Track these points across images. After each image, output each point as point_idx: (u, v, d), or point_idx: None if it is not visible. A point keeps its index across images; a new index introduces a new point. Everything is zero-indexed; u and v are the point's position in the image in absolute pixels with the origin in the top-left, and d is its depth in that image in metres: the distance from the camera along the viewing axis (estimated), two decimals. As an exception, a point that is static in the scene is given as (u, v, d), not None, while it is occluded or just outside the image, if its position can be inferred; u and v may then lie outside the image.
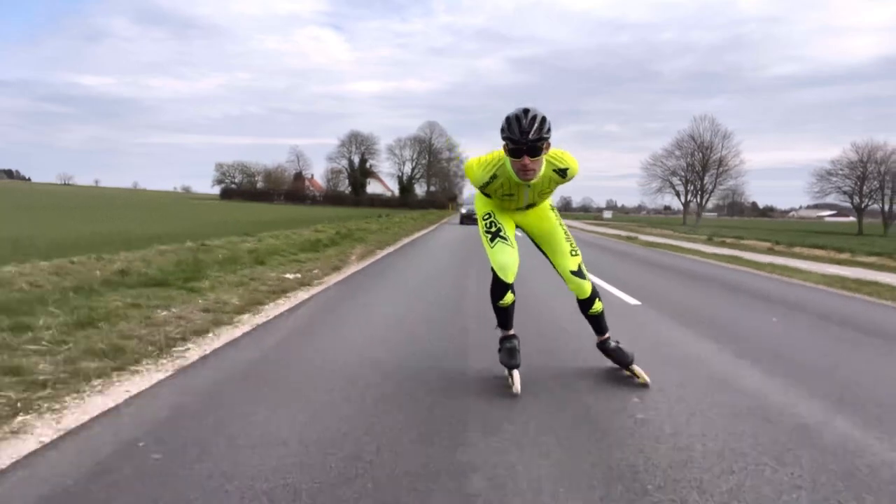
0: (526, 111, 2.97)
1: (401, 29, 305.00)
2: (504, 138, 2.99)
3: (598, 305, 3.52)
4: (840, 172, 52.82)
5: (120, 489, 1.96)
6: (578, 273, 3.44)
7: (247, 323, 4.46)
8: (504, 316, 3.44)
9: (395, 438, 2.45)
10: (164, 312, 4.39)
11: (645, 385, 3.35)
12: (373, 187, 78.13)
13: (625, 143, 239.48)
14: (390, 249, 12.86)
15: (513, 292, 3.37)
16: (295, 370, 3.34)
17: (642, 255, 16.24)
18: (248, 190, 75.09)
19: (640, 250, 18.53)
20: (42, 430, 2.38)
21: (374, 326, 4.64)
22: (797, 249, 21.44)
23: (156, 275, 5.83)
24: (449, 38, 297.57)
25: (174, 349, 3.59)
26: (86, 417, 2.52)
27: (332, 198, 72.95)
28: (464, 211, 33.04)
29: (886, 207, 52.04)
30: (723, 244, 24.26)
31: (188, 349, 3.63)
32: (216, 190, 79.35)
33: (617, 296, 6.82)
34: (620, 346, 3.58)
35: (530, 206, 3.43)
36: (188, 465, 2.13)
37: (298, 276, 7.00)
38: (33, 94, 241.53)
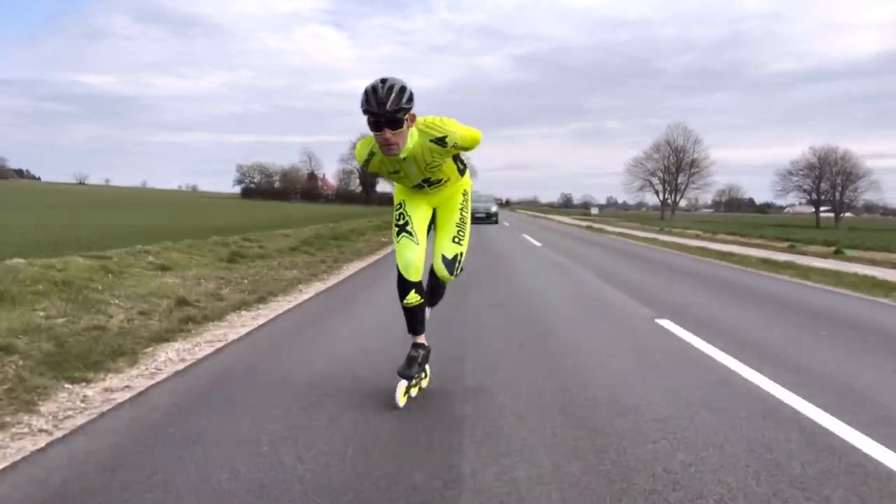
0: (384, 80, 2.72)
1: (402, 26, 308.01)
2: (364, 112, 2.74)
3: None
4: (800, 172, 59.46)
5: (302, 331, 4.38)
6: (449, 263, 3.22)
7: (383, 251, 10.73)
8: (411, 318, 3.21)
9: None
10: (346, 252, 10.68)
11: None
12: (381, 186, 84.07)
13: (626, 140, 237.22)
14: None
15: (420, 294, 3.16)
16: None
17: (580, 235, 24.25)
18: (267, 189, 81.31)
19: (586, 233, 26.39)
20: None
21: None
22: (723, 236, 27.54)
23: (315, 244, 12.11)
24: (450, 36, 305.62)
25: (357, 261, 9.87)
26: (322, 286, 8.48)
27: (343, 196, 79.06)
28: None
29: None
30: (670, 233, 30.51)
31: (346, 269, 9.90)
32: (229, 188, 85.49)
33: (533, 243, 13.10)
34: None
35: (431, 183, 3.14)
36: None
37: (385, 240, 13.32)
38: (34, 94, 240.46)
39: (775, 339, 4.92)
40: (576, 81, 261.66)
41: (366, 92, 2.72)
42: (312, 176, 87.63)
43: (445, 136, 2.90)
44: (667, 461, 2.38)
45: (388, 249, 11.68)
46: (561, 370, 3.73)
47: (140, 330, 4.16)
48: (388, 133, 2.73)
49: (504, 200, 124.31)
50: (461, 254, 3.26)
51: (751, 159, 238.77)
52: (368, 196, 76.65)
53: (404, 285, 3.12)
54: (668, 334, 4.86)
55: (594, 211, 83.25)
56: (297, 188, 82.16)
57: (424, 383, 3.30)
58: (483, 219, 29.95)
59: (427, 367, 3.32)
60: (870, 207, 73.52)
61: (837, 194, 57.58)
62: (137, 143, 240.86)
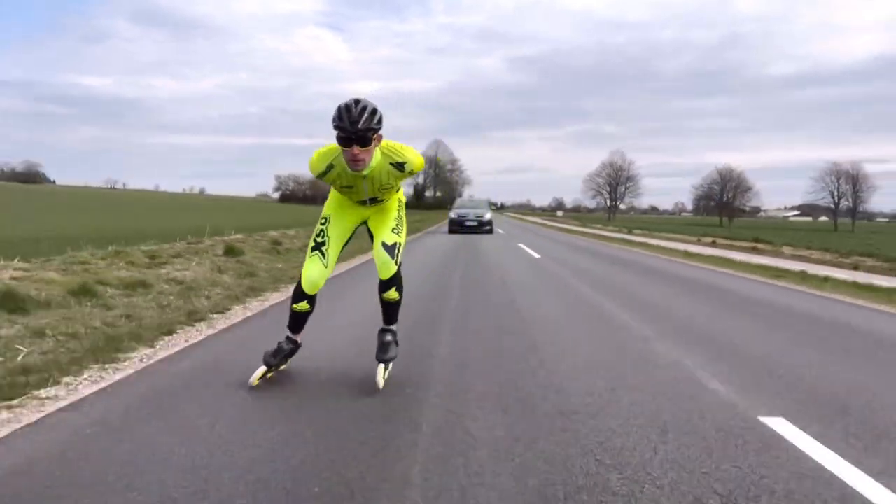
0: (357, 101, 2.89)
1: (400, 29, 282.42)
2: (335, 127, 2.89)
3: (394, 294, 3.40)
4: (713, 185, 77.40)
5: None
6: (389, 249, 3.31)
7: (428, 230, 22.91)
8: (294, 320, 3.41)
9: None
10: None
11: (375, 389, 3.20)
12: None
13: (623, 143, 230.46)
14: (432, 228, 30.94)
15: (311, 304, 3.32)
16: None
17: (531, 226, 36.97)
18: (300, 195, 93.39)
19: (533, 227, 39.72)
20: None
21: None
22: (638, 230, 39.75)
23: None
24: (448, 38, 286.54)
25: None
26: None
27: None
28: (453, 215, 25.19)
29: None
30: (593, 226, 43.03)
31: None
32: (238, 191, 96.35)
33: (499, 231, 25.32)
34: (394, 343, 3.45)
35: (374, 200, 3.29)
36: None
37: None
38: (33, 95, 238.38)
39: (614, 279, 11.17)
40: (574, 83, 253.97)
41: (339, 109, 2.87)
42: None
43: (405, 163, 3.11)
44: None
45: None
46: None
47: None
48: (356, 149, 2.88)
49: (499, 204, 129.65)
50: (399, 243, 3.35)
51: (748, 162, 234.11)
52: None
53: (300, 294, 3.28)
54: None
55: (559, 213, 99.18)
56: (323, 194, 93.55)
57: (283, 367, 3.46)
58: (475, 227, 23.82)
59: (289, 360, 3.48)
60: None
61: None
62: (134, 146, 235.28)
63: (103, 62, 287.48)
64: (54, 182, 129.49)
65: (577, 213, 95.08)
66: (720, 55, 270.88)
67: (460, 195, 68.62)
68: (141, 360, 3.80)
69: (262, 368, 3.30)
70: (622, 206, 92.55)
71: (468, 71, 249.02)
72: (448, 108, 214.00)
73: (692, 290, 8.90)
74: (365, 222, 3.48)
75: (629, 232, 35.12)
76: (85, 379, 3.35)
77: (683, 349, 4.62)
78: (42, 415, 2.78)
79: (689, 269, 12.53)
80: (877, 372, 4.22)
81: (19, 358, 3.52)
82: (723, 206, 77.99)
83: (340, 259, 3.56)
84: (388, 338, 3.46)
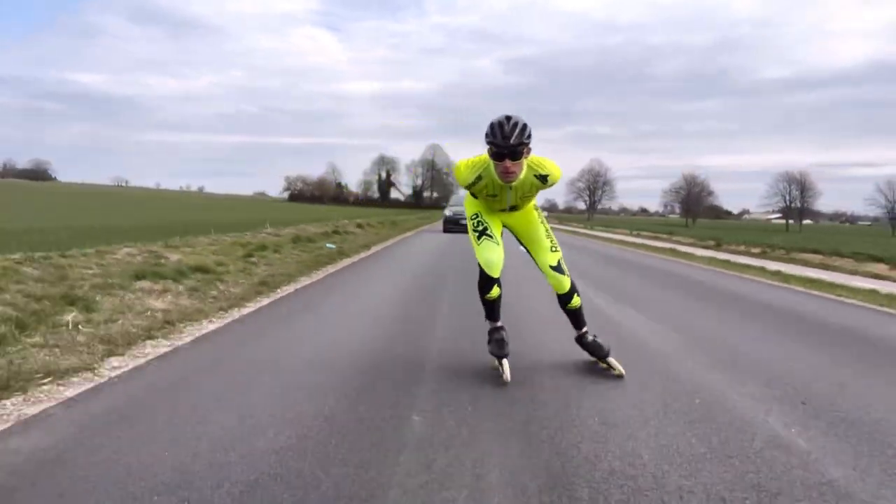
0: (508, 118, 2.99)
1: (395, 29, 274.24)
2: (488, 142, 3.01)
3: (576, 300, 3.51)
4: (678, 191, 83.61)
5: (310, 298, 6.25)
6: (558, 268, 3.43)
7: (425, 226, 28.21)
8: (491, 308, 3.46)
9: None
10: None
11: (620, 376, 3.36)
12: (393, 193, 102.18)
13: (618, 145, 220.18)
14: (424, 227, 36.44)
15: (499, 286, 3.40)
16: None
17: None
18: (306, 195, 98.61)
19: None
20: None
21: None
22: (613, 228, 45.29)
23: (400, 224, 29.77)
24: (443, 39, 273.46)
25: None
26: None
27: (364, 202, 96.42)
28: (448, 213, 24.39)
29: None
30: (568, 224, 48.44)
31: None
32: (236, 189, 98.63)
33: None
34: (597, 339, 3.55)
35: (514, 208, 3.40)
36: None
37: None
38: (26, 92, 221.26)
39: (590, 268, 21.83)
40: (568, 85, 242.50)
41: (492, 125, 2.98)
42: (339, 185, 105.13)
43: (548, 175, 3.20)
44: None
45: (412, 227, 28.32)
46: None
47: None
48: (508, 163, 2.99)
49: None
50: (561, 258, 3.48)
51: (743, 166, 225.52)
52: (385, 201, 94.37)
53: (487, 281, 3.34)
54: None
55: (545, 214, 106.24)
56: (330, 194, 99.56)
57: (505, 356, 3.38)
58: None
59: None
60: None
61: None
62: (128, 143, 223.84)
63: (98, 59, 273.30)
64: (54, 179, 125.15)
65: (560, 214, 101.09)
66: (714, 58, 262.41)
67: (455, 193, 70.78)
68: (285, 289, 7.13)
69: (505, 362, 3.33)
70: (612, 207, 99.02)
71: (463, 72, 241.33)
72: (444, 109, 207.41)
73: (599, 258, 14.41)
74: (503, 225, 3.55)
75: (591, 228, 41.12)
76: (258, 301, 5.67)
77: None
78: (259, 305, 5.38)
79: (611, 247, 18.06)
80: (697, 303, 9.32)
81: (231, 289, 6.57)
82: (687, 208, 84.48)
83: (353, 252, 7.12)
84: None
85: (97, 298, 4.59)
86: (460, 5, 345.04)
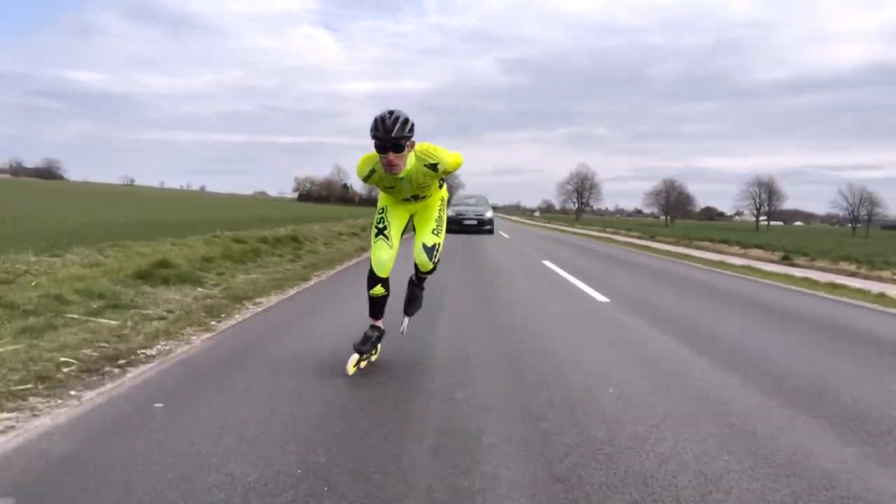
0: (391, 112, 3.03)
1: (393, 29, 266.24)
2: (372, 136, 3.02)
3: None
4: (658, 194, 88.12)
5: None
6: (429, 250, 3.49)
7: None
8: (374, 305, 3.49)
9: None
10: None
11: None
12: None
13: (615, 146, 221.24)
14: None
15: (385, 288, 3.43)
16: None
17: (519, 226, 45.75)
18: (314, 195, 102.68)
19: (518, 226, 48.14)
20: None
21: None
22: (597, 227, 49.43)
23: None
24: (441, 39, 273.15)
25: None
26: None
27: (368, 201, 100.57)
28: (451, 213, 20.19)
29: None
30: (554, 222, 52.62)
31: None
32: (235, 189, 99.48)
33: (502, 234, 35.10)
34: (379, 339, 3.52)
35: (417, 197, 3.44)
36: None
37: None
38: (23, 88, 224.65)
39: (568, 257, 24.14)
40: (565, 86, 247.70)
41: (375, 120, 3.00)
42: (344, 186, 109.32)
43: (437, 164, 3.22)
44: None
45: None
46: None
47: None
48: (391, 156, 3.02)
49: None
50: (438, 244, 3.52)
51: (741, 168, 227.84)
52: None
53: (374, 279, 3.40)
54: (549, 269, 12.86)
55: (536, 214, 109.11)
56: (336, 194, 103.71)
57: (374, 358, 3.53)
58: (474, 227, 21.44)
59: (378, 345, 3.54)
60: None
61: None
62: (126, 141, 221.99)
63: (95, 57, 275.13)
64: (63, 178, 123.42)
65: (556, 214, 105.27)
66: (711, 61, 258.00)
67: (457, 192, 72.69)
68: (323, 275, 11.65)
69: (355, 356, 3.36)
70: (609, 208, 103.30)
71: (460, 72, 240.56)
72: (441, 109, 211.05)
73: (553, 241, 18.65)
74: (412, 217, 3.64)
75: (572, 226, 45.57)
76: (300, 284, 8.62)
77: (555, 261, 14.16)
78: (315, 282, 9.65)
79: (587, 240, 22.31)
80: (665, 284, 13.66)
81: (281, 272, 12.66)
82: (667, 209, 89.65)
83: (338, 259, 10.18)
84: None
85: (277, 253, 8.72)
86: (459, 6, 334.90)
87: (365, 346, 3.40)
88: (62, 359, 3.18)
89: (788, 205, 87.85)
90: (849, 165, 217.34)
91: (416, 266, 3.66)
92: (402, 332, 3.78)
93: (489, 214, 22.35)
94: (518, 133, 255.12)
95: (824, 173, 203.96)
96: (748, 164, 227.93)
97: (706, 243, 22.59)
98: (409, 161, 3.17)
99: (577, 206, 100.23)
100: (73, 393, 2.79)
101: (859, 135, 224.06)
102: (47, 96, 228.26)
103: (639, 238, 28.74)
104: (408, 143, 3.08)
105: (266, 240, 10.42)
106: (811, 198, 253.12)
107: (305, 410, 2.69)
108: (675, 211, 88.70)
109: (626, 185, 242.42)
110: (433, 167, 3.24)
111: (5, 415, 2.48)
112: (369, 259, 3.44)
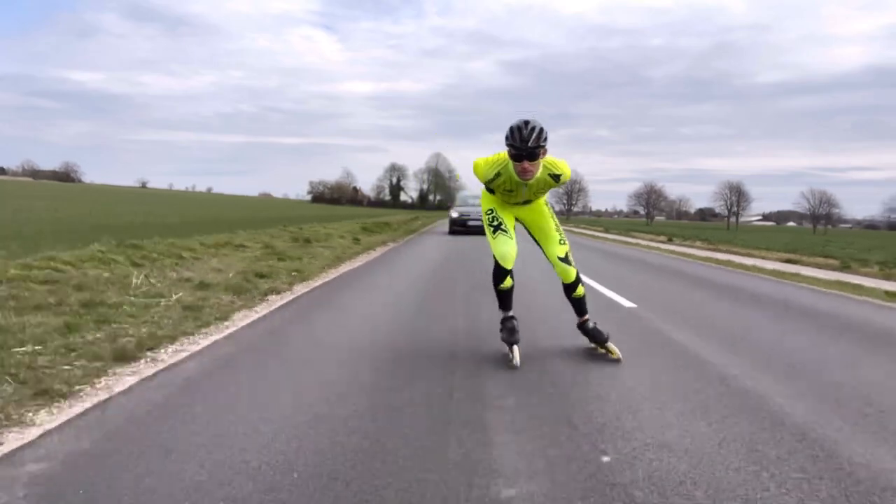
0: (526, 122, 3.10)
1: (393, 30, 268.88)
2: (508, 144, 3.12)
3: (580, 290, 3.62)
4: (640, 196, 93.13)
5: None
6: (565, 260, 3.53)
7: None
8: (504, 298, 3.56)
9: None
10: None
11: (618, 360, 3.45)
12: (402, 196, 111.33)
13: (616, 148, 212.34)
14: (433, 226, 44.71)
15: (511, 278, 3.50)
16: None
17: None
18: (327, 197, 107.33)
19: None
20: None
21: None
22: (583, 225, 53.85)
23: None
24: (441, 41, 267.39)
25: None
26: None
27: (376, 203, 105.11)
28: (454, 214, 21.13)
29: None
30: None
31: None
32: (242, 190, 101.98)
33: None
34: (597, 326, 3.63)
35: (527, 202, 3.53)
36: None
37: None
38: (23, 89, 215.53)
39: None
40: (566, 88, 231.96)
41: (511, 129, 3.09)
42: (355, 189, 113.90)
43: (560, 175, 3.34)
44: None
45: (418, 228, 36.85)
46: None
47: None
48: (526, 163, 3.12)
49: None
50: (569, 251, 3.58)
51: (740, 169, 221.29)
52: (395, 203, 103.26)
53: (501, 272, 3.46)
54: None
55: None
56: (347, 197, 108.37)
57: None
58: (478, 228, 17.55)
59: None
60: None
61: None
62: (126, 142, 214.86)
63: (94, 58, 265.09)
64: (80, 181, 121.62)
65: (609, 219, 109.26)
66: (710, 63, 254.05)
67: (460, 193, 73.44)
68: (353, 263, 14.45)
69: (515, 348, 3.42)
70: (607, 209, 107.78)
71: (461, 73, 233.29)
72: (441, 111, 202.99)
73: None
74: (516, 218, 3.65)
75: (563, 224, 49.84)
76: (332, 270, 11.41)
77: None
78: (343, 271, 11.27)
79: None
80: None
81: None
82: (647, 210, 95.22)
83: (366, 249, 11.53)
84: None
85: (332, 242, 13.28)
86: (458, 7, 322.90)
87: (514, 336, 3.48)
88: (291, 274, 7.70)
89: (784, 206, 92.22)
90: (849, 167, 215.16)
91: (564, 286, 3.63)
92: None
93: None
94: None
95: (825, 175, 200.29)
96: (748, 165, 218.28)
97: (678, 239, 27.24)
98: (538, 168, 3.22)
99: (567, 206, 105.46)
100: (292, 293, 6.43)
101: (860, 136, 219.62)
102: (48, 97, 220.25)
103: (620, 234, 32.88)
104: (542, 151, 3.15)
105: (325, 229, 15.07)
106: (748, 201, 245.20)
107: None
108: (654, 209, 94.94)
109: (625, 186, 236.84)
110: (556, 178, 3.35)
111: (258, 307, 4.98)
112: (493, 257, 3.46)
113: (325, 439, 2.28)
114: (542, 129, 3.12)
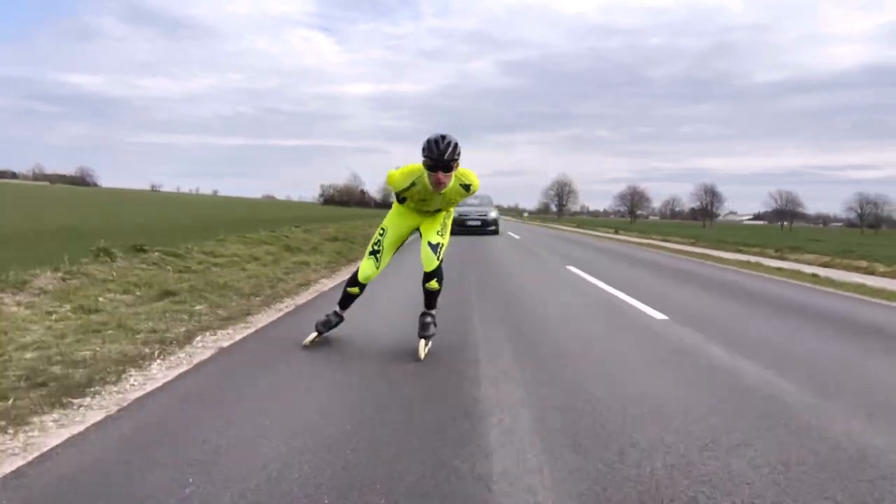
0: (443, 137, 3.22)
1: (391, 31, 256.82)
2: (424, 156, 3.24)
3: (434, 284, 3.69)
4: (625, 197, 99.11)
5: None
6: (433, 247, 3.63)
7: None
8: (345, 299, 3.79)
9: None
10: None
11: (418, 359, 3.43)
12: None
13: (615, 148, 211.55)
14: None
15: (360, 290, 3.72)
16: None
17: (522, 225, 54.43)
18: (336, 200, 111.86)
19: (504, 223, 56.77)
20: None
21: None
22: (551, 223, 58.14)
23: None
24: (439, 41, 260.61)
25: None
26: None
27: (382, 204, 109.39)
28: (454, 215, 5.96)
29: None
30: (537, 221, 61.29)
31: None
32: (248, 193, 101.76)
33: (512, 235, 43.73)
34: (432, 323, 3.70)
35: (437, 211, 3.71)
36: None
37: None
38: (22, 92, 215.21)
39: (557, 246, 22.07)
40: (565, 88, 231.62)
41: (429, 142, 3.22)
42: (362, 191, 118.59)
43: (470, 185, 3.49)
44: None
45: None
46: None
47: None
48: (440, 174, 3.23)
49: None
50: (442, 244, 3.66)
51: (740, 168, 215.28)
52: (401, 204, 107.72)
53: (355, 282, 3.70)
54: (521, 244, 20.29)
55: (525, 214, 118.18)
56: (355, 199, 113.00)
57: (327, 335, 3.78)
58: (478, 228, 19.46)
59: (333, 329, 3.83)
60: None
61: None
62: (126, 143, 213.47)
63: (93, 60, 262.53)
64: (95, 185, 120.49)
65: (537, 215, 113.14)
66: (710, 63, 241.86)
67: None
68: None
69: (314, 334, 3.69)
70: (602, 209, 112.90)
71: (460, 74, 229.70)
72: (440, 111, 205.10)
73: (555, 237, 27.38)
74: (418, 227, 3.77)
75: (553, 223, 54.28)
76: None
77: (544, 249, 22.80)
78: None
79: (545, 229, 31.14)
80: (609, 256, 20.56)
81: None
82: (632, 210, 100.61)
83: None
84: (428, 319, 3.69)
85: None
86: (457, 8, 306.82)
87: (325, 327, 3.73)
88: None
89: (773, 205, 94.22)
90: (848, 166, 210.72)
91: (423, 275, 3.66)
92: (419, 356, 3.47)
93: (493, 214, 20.30)
94: (518, 135, 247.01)
95: (823, 174, 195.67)
96: (747, 164, 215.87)
97: (657, 236, 31.39)
98: (451, 180, 3.35)
99: (557, 207, 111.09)
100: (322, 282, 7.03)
101: (858, 135, 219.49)
102: (46, 100, 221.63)
103: (580, 228, 37.53)
104: (455, 164, 3.28)
105: (355, 228, 19.33)
106: (806, 198, 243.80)
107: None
108: (637, 209, 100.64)
109: (625, 186, 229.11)
110: (466, 187, 3.49)
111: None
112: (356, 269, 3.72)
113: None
114: (456, 144, 3.26)
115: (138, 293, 4.96)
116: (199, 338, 3.86)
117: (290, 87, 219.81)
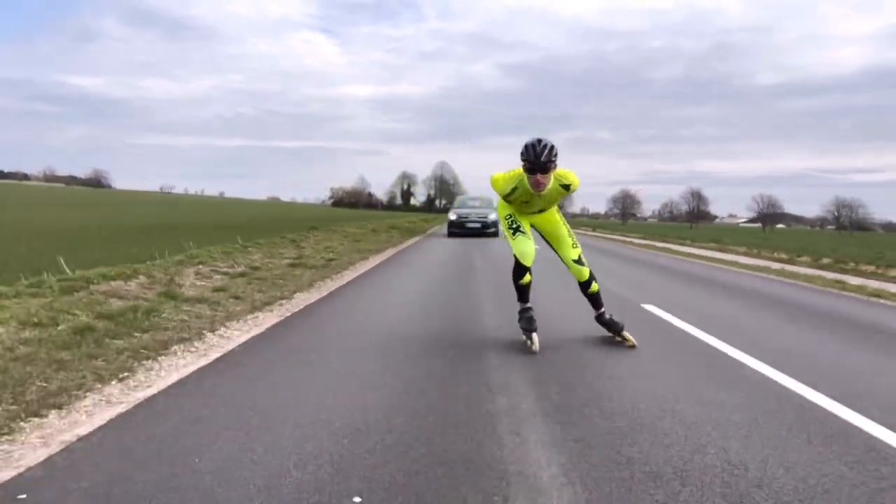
0: (539, 140, 3.34)
1: (392, 34, 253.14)
2: (522, 159, 3.35)
3: (594, 287, 3.80)
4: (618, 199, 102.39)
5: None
6: (578, 261, 3.72)
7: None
8: (522, 292, 3.79)
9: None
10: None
11: (633, 347, 3.64)
12: (411, 201, 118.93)
13: (617, 150, 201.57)
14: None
15: (530, 274, 3.72)
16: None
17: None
18: (345, 202, 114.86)
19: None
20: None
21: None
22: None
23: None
24: (440, 43, 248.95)
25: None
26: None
27: (389, 206, 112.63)
28: (453, 217, 19.80)
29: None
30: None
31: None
32: (253, 194, 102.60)
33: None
34: (613, 318, 3.82)
35: (541, 210, 3.75)
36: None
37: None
38: (23, 94, 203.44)
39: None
40: (566, 90, 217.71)
41: (526, 146, 3.34)
42: (369, 194, 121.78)
43: (570, 185, 3.58)
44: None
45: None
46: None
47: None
48: (539, 176, 3.35)
49: None
50: (581, 252, 3.81)
51: (742, 171, 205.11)
52: (407, 206, 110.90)
53: (521, 269, 3.68)
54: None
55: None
56: (363, 201, 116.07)
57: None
58: (477, 230, 18.89)
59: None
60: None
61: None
62: (126, 145, 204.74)
63: (94, 61, 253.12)
64: (110, 187, 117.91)
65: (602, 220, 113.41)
66: (710, 64, 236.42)
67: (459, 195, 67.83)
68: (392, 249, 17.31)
69: (534, 335, 3.67)
70: (602, 211, 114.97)
71: (461, 76, 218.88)
72: (441, 113, 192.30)
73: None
74: (531, 224, 3.84)
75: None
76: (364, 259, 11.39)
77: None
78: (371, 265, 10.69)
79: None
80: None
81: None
82: (623, 212, 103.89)
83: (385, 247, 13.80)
84: (607, 317, 3.83)
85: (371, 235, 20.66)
86: (457, 11, 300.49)
87: (532, 325, 3.74)
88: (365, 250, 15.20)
89: (785, 209, 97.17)
90: (849, 169, 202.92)
91: (580, 284, 3.82)
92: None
93: (493, 217, 18.48)
94: (519, 137, 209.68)
95: (825, 177, 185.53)
96: (748, 167, 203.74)
97: (600, 230, 34.76)
98: (549, 181, 3.45)
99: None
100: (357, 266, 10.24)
101: (860, 138, 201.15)
102: (47, 101, 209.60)
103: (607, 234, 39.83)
104: (553, 165, 3.39)
105: (378, 226, 22.35)
106: (807, 200, 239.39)
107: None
108: (629, 212, 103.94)
109: (627, 188, 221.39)
110: (566, 187, 3.59)
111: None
112: (514, 256, 3.69)
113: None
114: (552, 147, 3.36)
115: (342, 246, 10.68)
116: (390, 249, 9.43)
117: (292, 89, 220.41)
